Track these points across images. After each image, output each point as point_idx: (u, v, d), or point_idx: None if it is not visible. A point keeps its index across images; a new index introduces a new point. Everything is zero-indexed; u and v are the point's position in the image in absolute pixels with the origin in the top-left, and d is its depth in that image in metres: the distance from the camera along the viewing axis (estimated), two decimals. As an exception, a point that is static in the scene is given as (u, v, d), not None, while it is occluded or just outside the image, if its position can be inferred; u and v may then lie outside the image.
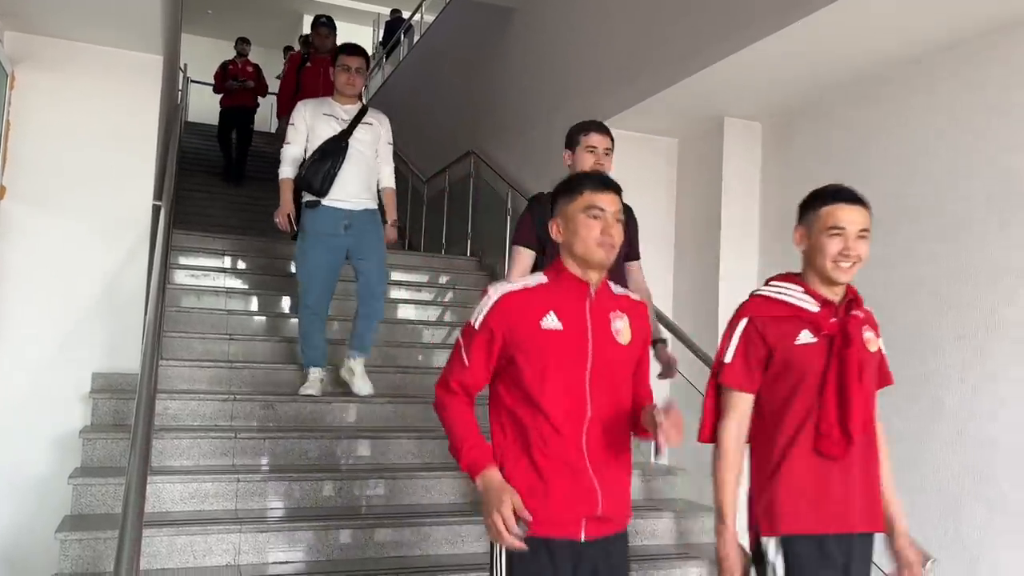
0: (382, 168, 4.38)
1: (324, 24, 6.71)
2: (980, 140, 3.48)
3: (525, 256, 3.15)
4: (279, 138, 7.05)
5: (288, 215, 4.18)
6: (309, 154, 4.13)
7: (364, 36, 14.41)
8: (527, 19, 6.50)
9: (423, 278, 6.13)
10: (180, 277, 5.32)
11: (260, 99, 9.95)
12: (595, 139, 3.13)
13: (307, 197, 4.14)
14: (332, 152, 4.10)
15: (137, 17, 3.87)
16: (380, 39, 13.10)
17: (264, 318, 5.09)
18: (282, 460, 3.86)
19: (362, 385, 4.30)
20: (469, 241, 6.87)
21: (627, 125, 5.02)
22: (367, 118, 4.27)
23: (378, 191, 4.41)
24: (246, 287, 5.45)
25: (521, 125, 6.37)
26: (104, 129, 4.22)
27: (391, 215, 4.44)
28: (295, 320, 5.03)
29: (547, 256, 2.94)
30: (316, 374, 4.26)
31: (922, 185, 3.74)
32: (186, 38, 8.84)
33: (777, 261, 4.59)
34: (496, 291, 2.00)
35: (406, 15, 11.80)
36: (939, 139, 3.68)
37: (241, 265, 5.71)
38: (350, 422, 4.23)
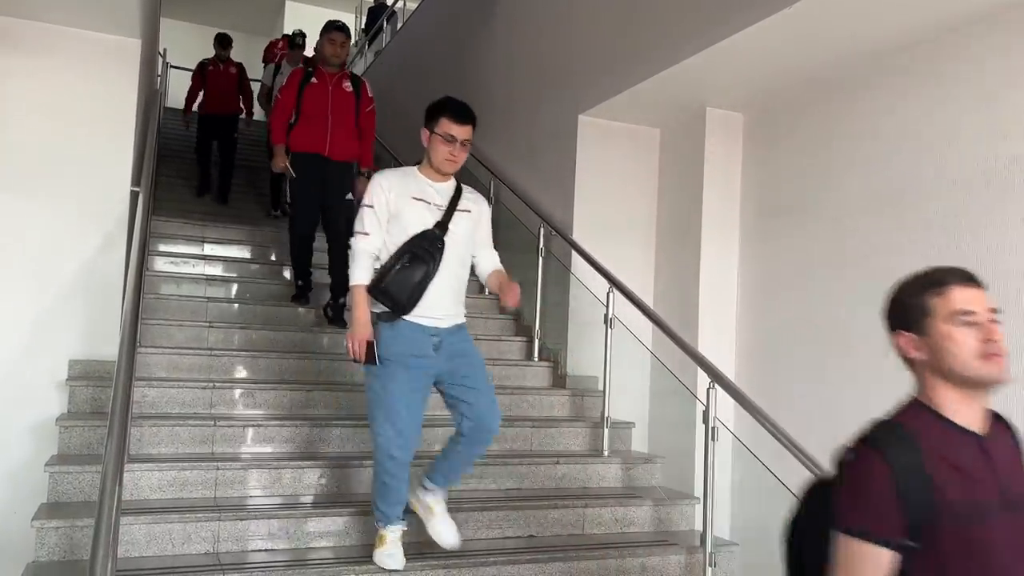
0: (482, 254, 3.34)
1: (339, 29, 5.13)
2: (962, 130, 3.51)
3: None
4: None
5: (369, 343, 3.04)
6: (390, 251, 3.08)
7: (346, 22, 14.31)
8: (510, 7, 6.47)
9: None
10: (159, 264, 5.28)
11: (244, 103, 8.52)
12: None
13: (378, 307, 3.10)
14: (425, 257, 3.04)
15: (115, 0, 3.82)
16: (363, 25, 13.01)
17: (243, 305, 5.05)
18: (262, 448, 3.85)
19: (447, 532, 3.30)
20: (451, 230, 6.84)
21: (609, 115, 5.02)
22: (464, 202, 3.21)
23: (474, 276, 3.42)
24: (226, 274, 5.41)
25: (504, 114, 6.35)
26: (81, 113, 4.17)
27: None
28: (276, 308, 5.02)
29: None
30: (396, 534, 3.19)
31: (904, 176, 3.77)
32: (165, 22, 8.75)
33: (757, 251, 4.63)
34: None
35: (389, 1, 11.71)
36: (921, 130, 3.70)
37: (220, 252, 5.67)
38: (331, 410, 4.22)
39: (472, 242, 3.25)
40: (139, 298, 3.18)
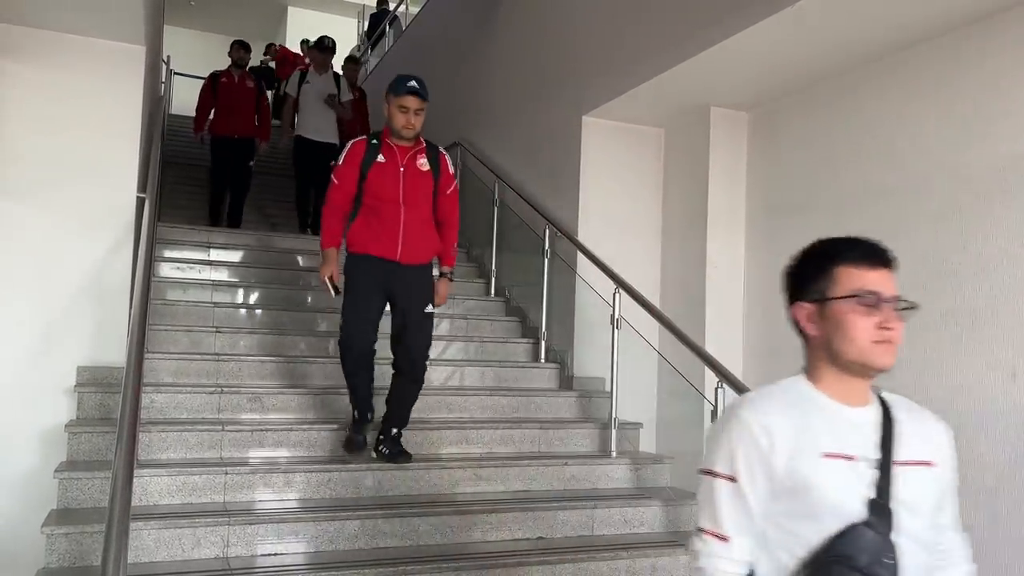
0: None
1: (414, 93, 3.71)
2: (966, 128, 3.50)
3: None
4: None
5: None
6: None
7: (349, 28, 14.36)
8: (512, 9, 6.48)
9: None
10: (165, 270, 5.29)
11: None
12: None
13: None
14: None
15: (119, 6, 3.82)
16: (365, 31, 13.04)
17: (250, 310, 5.06)
18: (271, 452, 3.85)
19: None
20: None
21: (613, 115, 5.02)
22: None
23: None
24: (232, 280, 5.42)
25: (507, 116, 6.36)
26: (87, 120, 4.18)
27: None
28: (281, 312, 5.03)
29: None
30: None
31: (907, 174, 3.76)
32: (168, 30, 8.75)
33: (763, 249, 4.62)
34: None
35: (391, 6, 11.74)
36: (924, 127, 3.69)
37: (226, 257, 5.68)
38: (338, 415, 4.22)
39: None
40: (146, 304, 3.18)
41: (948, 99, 3.58)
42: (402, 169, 3.74)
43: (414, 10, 10.10)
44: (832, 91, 4.20)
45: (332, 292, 3.77)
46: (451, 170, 3.94)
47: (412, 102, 3.68)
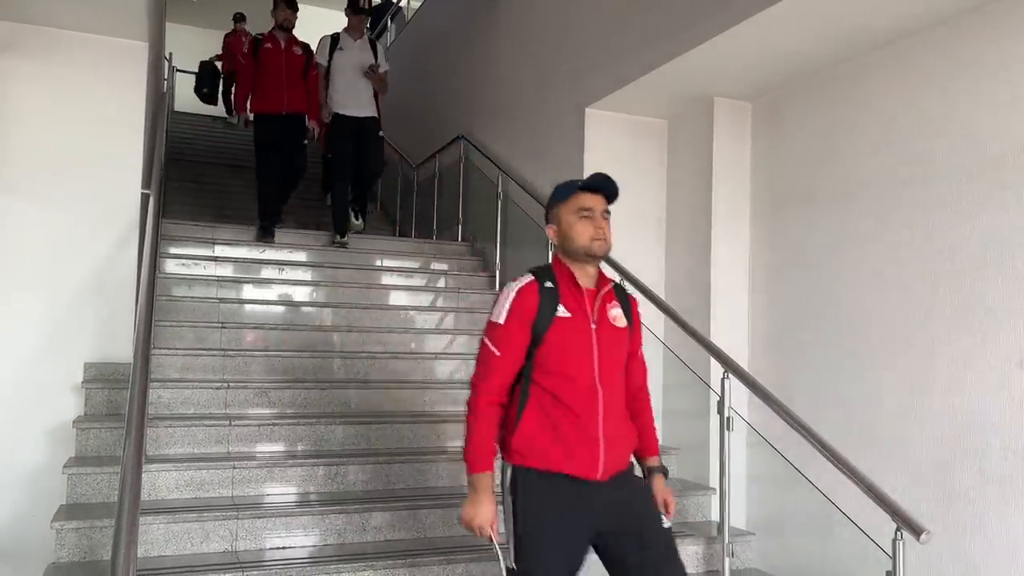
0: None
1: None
2: (971, 117, 3.48)
3: None
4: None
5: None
6: None
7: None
8: (514, 1, 6.46)
9: (414, 264, 6.12)
10: (170, 266, 5.29)
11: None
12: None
13: None
14: None
15: (123, 3, 3.83)
16: (367, 25, 13.00)
17: (255, 306, 5.07)
18: (277, 447, 3.86)
19: None
20: (460, 226, 6.86)
21: (616, 107, 5.01)
22: None
23: None
24: (236, 275, 5.43)
25: (510, 108, 6.35)
26: (91, 117, 4.18)
27: None
28: (285, 308, 5.04)
29: None
30: None
31: (912, 162, 3.75)
32: (169, 27, 8.75)
33: (768, 239, 4.61)
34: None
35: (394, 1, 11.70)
36: (930, 117, 3.68)
37: (231, 253, 5.68)
38: (344, 408, 4.23)
39: None
40: (152, 300, 3.19)
41: (957, 85, 3.56)
42: (594, 327, 2.34)
43: (415, 3, 10.08)
44: (838, 78, 4.18)
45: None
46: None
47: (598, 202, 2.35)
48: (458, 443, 4.19)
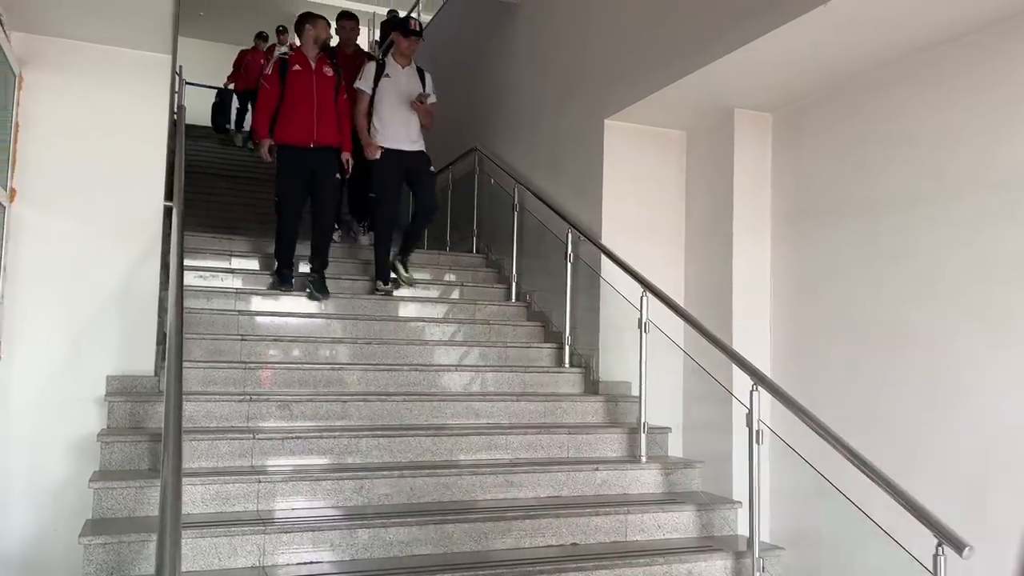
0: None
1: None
2: (994, 130, 3.48)
3: None
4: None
5: None
6: None
7: (360, 36, 14.36)
8: (531, 13, 6.48)
9: (428, 276, 6.10)
10: (188, 279, 5.27)
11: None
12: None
13: None
14: None
15: (148, 16, 3.83)
16: (376, 39, 13.05)
17: (275, 318, 5.05)
18: (302, 460, 3.84)
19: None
20: (475, 238, 6.85)
21: (636, 118, 5.01)
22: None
23: None
24: (255, 287, 5.41)
25: (526, 120, 6.35)
26: (113, 130, 4.18)
27: None
28: (305, 320, 5.02)
29: None
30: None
31: (933, 175, 3.74)
32: (179, 40, 8.76)
33: (789, 251, 4.60)
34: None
35: (402, 15, 11.74)
36: (951, 130, 3.67)
37: (249, 265, 5.67)
38: (365, 420, 4.21)
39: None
40: (181, 312, 3.17)
41: (983, 99, 3.55)
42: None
43: (426, 17, 10.11)
44: (860, 90, 4.18)
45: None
46: None
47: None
48: (481, 456, 4.17)
